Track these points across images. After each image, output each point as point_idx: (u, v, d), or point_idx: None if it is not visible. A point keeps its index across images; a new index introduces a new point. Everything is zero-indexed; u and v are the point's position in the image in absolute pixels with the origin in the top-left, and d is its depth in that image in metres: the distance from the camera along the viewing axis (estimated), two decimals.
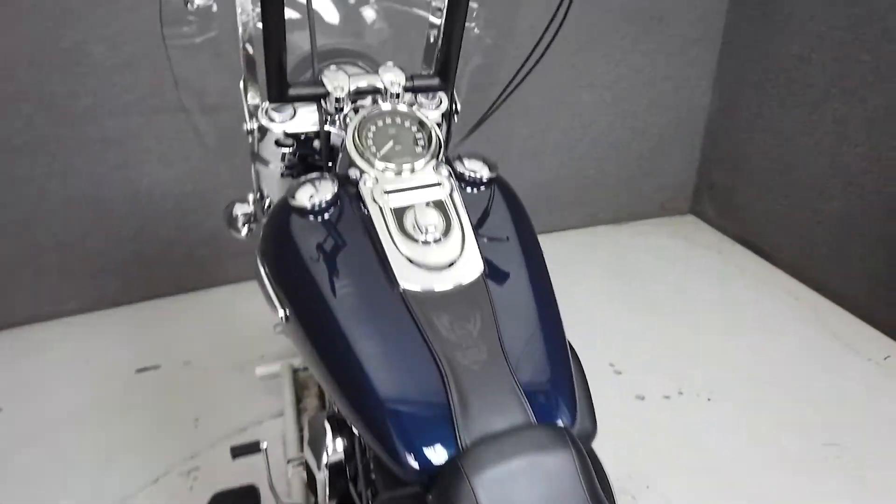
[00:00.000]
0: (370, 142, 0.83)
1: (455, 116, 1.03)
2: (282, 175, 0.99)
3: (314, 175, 0.82)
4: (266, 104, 0.92)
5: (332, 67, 0.90)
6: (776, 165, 2.45)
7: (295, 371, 1.85)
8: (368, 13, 1.19)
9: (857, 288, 2.20)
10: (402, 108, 0.88)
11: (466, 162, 0.87)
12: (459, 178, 0.85)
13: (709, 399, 1.86)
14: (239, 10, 0.90)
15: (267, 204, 1.10)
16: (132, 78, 1.93)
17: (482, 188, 0.85)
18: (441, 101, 0.98)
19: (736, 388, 1.89)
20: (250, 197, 1.18)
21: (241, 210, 1.20)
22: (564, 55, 2.41)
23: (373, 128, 0.84)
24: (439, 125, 1.00)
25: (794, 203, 2.39)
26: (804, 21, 2.23)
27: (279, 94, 0.85)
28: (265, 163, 0.99)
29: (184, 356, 2.00)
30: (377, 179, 0.80)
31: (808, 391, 1.89)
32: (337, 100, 0.88)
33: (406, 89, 0.91)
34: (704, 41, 2.60)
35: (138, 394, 1.86)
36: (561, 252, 2.61)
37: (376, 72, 0.92)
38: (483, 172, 0.85)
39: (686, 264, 2.57)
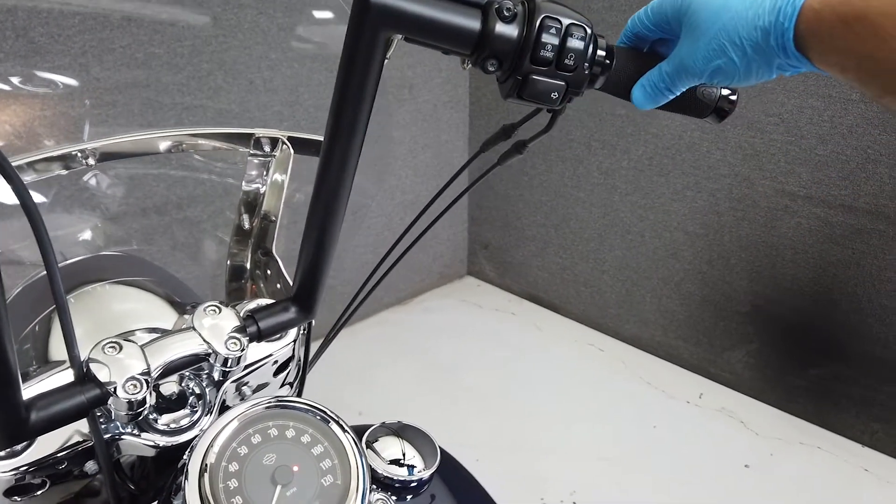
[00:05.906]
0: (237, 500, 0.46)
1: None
2: None
3: None
4: None
5: (105, 342, 0.50)
6: (549, 220, 2.43)
7: None
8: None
9: (653, 330, 2.25)
10: (297, 407, 0.52)
11: (382, 447, 0.54)
12: (381, 485, 0.52)
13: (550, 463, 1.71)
14: None
15: None
16: None
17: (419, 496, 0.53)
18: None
19: (576, 458, 1.77)
20: None
21: None
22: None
23: (234, 468, 0.47)
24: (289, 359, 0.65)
25: (576, 255, 2.39)
26: None
27: (14, 432, 0.44)
28: None
29: None
30: None
31: (649, 450, 1.84)
32: (130, 404, 0.48)
33: (252, 338, 0.55)
34: (454, 103, 2.50)
35: None
36: (357, 352, 2.29)
37: (179, 308, 0.55)
38: (418, 467, 0.53)
39: (484, 333, 2.43)
